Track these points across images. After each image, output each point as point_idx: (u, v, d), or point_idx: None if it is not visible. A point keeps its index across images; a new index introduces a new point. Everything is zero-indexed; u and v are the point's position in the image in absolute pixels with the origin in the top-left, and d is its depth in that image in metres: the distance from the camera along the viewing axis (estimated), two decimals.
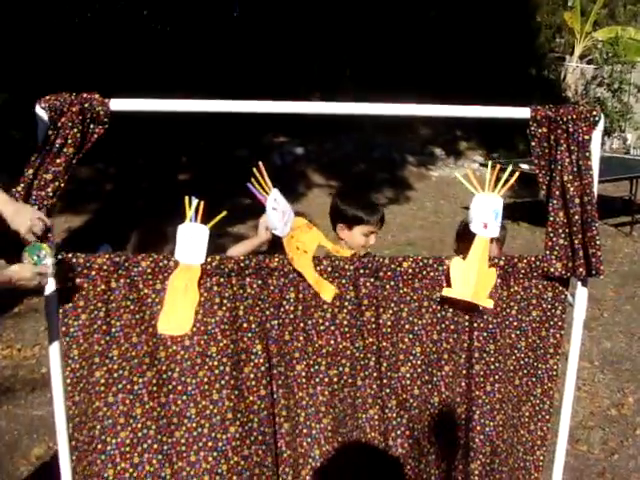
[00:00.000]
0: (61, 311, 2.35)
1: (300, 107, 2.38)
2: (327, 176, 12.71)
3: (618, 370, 5.42)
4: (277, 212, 2.42)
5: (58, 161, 2.24)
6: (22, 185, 2.24)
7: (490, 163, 2.51)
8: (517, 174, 2.50)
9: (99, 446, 2.42)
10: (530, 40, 18.21)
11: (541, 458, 2.67)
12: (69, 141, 2.24)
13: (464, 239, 3.23)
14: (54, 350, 2.39)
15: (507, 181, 2.50)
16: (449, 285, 2.45)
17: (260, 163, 2.44)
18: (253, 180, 2.43)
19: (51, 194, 2.27)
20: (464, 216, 2.92)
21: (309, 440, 2.52)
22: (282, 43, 14.36)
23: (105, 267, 2.33)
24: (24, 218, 2.13)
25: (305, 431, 2.52)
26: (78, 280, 2.32)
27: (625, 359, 5.65)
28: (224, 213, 2.48)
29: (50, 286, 2.30)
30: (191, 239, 2.37)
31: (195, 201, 2.40)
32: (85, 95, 2.26)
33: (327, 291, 2.43)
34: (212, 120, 10.95)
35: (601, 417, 4.61)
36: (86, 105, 2.24)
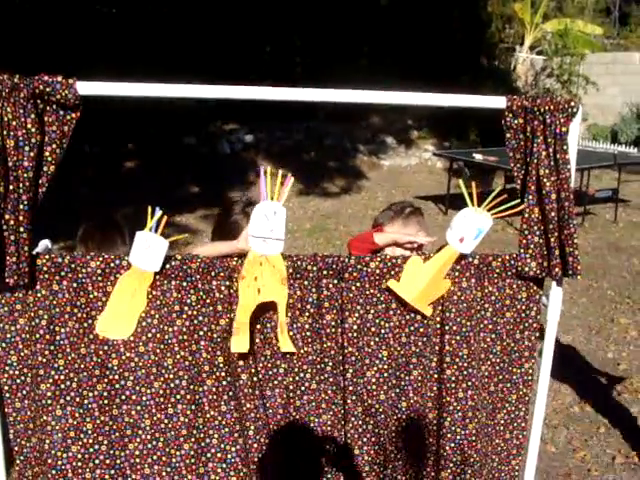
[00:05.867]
0: None
1: (251, 93, 2.15)
2: (277, 164, 12.51)
3: (579, 366, 5.39)
4: (267, 223, 2.20)
5: (32, 155, 1.96)
6: None
7: (497, 190, 2.31)
8: (523, 206, 2.31)
9: (49, 460, 2.24)
10: (481, 30, 18.33)
11: (517, 468, 2.55)
12: (32, 130, 1.95)
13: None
14: None
15: (511, 207, 2.33)
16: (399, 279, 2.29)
17: (291, 177, 2.20)
18: (269, 173, 2.18)
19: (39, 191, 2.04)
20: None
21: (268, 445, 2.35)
22: (231, 28, 14.11)
23: (45, 269, 2.11)
24: None
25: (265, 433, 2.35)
26: (12, 281, 2.06)
27: (585, 353, 5.63)
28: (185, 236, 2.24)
29: None
30: (149, 248, 2.16)
31: (158, 213, 2.18)
32: (46, 78, 1.96)
33: (241, 340, 2.18)
34: (159, 107, 10.70)
35: (564, 415, 4.55)
36: (48, 89, 1.95)
